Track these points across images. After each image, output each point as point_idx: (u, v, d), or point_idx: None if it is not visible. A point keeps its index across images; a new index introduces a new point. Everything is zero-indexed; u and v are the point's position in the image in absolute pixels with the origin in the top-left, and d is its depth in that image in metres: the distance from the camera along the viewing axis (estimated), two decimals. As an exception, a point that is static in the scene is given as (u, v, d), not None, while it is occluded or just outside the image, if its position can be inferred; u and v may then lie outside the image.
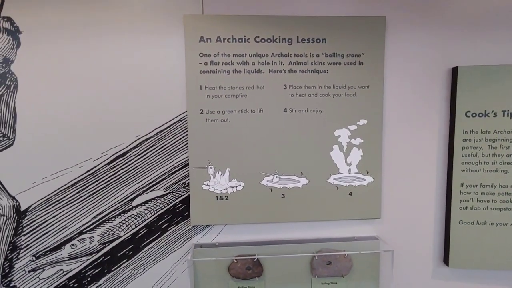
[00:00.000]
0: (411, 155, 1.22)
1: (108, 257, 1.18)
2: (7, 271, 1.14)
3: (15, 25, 1.06)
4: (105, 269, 1.18)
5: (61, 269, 1.16)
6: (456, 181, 1.18)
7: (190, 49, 1.10)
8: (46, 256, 1.15)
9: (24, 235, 1.13)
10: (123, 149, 1.14)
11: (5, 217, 1.12)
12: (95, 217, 1.15)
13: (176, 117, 1.15)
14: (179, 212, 1.19)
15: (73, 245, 1.16)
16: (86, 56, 1.09)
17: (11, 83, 1.07)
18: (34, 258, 1.15)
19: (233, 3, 1.12)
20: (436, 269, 1.27)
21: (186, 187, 1.17)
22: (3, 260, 1.13)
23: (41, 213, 1.13)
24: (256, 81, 1.13)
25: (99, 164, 1.13)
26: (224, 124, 1.14)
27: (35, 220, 1.13)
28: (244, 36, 1.12)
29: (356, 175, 1.20)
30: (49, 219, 1.13)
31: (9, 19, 1.06)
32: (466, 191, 1.18)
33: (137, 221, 1.17)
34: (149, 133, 1.14)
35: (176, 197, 1.18)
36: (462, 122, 1.16)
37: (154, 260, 1.20)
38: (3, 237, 1.12)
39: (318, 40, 1.14)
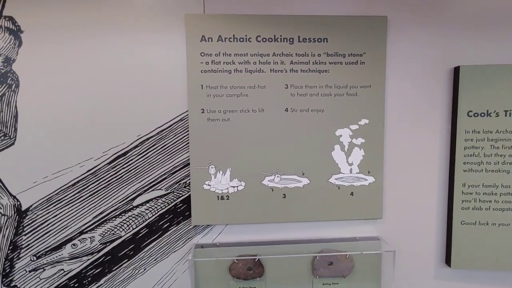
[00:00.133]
0: (412, 155, 1.22)
1: (109, 257, 1.18)
2: (7, 270, 1.14)
3: (16, 24, 1.06)
4: (105, 269, 1.18)
5: (62, 269, 1.16)
6: (458, 181, 1.18)
7: (191, 49, 1.10)
8: (47, 255, 1.15)
9: (25, 234, 1.13)
10: (124, 148, 1.13)
11: (6, 217, 1.12)
12: (96, 216, 1.15)
13: (177, 117, 1.15)
14: (180, 212, 1.19)
15: (74, 245, 1.15)
16: (87, 55, 1.09)
17: (13, 82, 1.07)
18: (34, 258, 1.14)
19: (234, 2, 1.12)
20: (438, 270, 1.27)
21: (187, 187, 1.17)
22: (4, 259, 1.13)
23: (42, 213, 1.13)
24: (258, 81, 1.13)
25: (100, 163, 1.13)
26: (225, 123, 1.14)
27: (36, 220, 1.13)
28: (246, 35, 1.11)
29: (358, 175, 1.19)
30: (50, 219, 1.13)
31: (10, 19, 1.06)
32: (468, 191, 1.18)
33: (138, 221, 1.17)
34: (150, 132, 1.14)
35: (177, 197, 1.18)
36: (464, 122, 1.16)
37: (155, 260, 1.20)
38: (4, 237, 1.12)
39: (319, 40, 1.13)
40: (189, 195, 1.17)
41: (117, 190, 1.15)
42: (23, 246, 1.13)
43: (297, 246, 1.21)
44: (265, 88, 1.14)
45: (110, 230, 1.16)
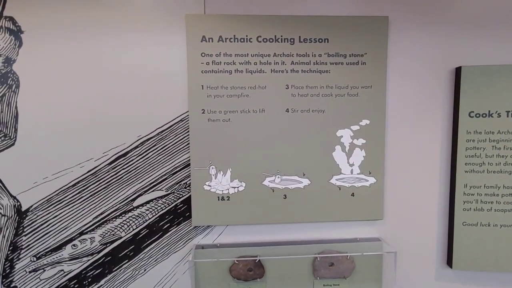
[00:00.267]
0: (414, 155, 1.21)
1: (109, 258, 1.17)
2: (7, 271, 1.14)
3: (17, 24, 1.06)
4: (106, 270, 1.18)
5: (62, 270, 1.16)
6: (460, 182, 1.17)
7: (192, 49, 1.10)
8: (47, 256, 1.15)
9: (25, 235, 1.13)
10: (125, 149, 1.13)
11: (6, 217, 1.11)
12: (96, 217, 1.15)
13: (177, 117, 1.14)
14: (180, 213, 1.18)
15: (74, 245, 1.15)
16: (87, 55, 1.09)
17: (13, 82, 1.07)
18: (35, 259, 1.14)
19: (235, 2, 1.12)
20: (440, 271, 1.26)
21: (188, 188, 1.17)
22: (4, 260, 1.13)
23: (42, 213, 1.12)
24: (258, 81, 1.13)
25: (100, 164, 1.13)
26: (225, 124, 1.13)
27: (36, 220, 1.12)
28: (246, 36, 1.11)
29: (359, 175, 1.19)
30: (50, 219, 1.13)
31: (11, 19, 1.06)
32: (470, 192, 1.17)
33: (138, 222, 1.17)
34: (151, 133, 1.14)
35: (178, 198, 1.17)
36: (466, 122, 1.15)
37: (155, 261, 1.19)
38: (4, 237, 1.12)
39: (320, 40, 1.13)
40: (190, 195, 1.17)
41: (117, 191, 1.15)
42: (23, 247, 1.13)
43: (297, 247, 1.20)
44: (266, 88, 1.13)
45: (111, 231, 1.16)
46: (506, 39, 1.17)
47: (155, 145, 1.14)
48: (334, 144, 1.17)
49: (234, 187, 1.16)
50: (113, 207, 1.15)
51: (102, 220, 1.15)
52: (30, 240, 1.13)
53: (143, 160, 1.14)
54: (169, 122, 1.14)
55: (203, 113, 1.13)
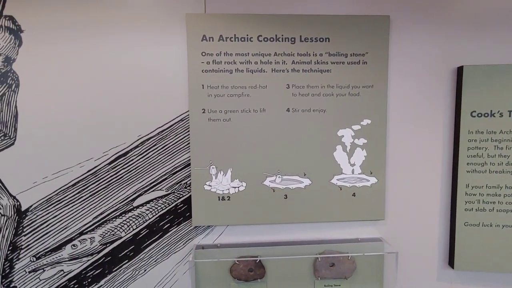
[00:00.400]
0: (415, 155, 1.21)
1: (109, 258, 1.17)
2: (7, 271, 1.13)
3: (17, 23, 1.06)
4: (106, 270, 1.17)
5: (62, 270, 1.15)
6: (461, 182, 1.17)
7: (192, 48, 1.10)
8: (47, 256, 1.14)
9: (25, 235, 1.12)
10: (125, 148, 1.13)
11: (5, 217, 1.11)
12: (96, 217, 1.15)
13: (178, 117, 1.14)
14: (180, 213, 1.18)
15: (73, 245, 1.15)
16: (87, 55, 1.09)
17: (13, 82, 1.07)
18: (34, 259, 1.14)
19: (235, 2, 1.12)
20: (441, 271, 1.26)
21: (188, 188, 1.16)
22: (3, 260, 1.13)
23: (42, 213, 1.12)
24: (259, 81, 1.12)
25: (100, 163, 1.12)
26: (226, 124, 1.13)
27: (35, 220, 1.12)
28: (247, 35, 1.11)
29: (360, 175, 1.18)
30: (49, 219, 1.13)
31: (11, 18, 1.05)
32: (472, 192, 1.17)
33: (138, 222, 1.16)
34: (151, 132, 1.13)
35: (178, 198, 1.17)
36: (468, 122, 1.14)
37: (155, 261, 1.19)
38: (4, 237, 1.12)
39: (321, 39, 1.13)
40: (190, 195, 1.16)
41: (117, 191, 1.14)
42: (22, 247, 1.13)
43: (298, 247, 1.20)
44: (267, 88, 1.13)
45: (110, 231, 1.16)
46: (507, 38, 1.17)
47: (155, 145, 1.14)
48: (335, 144, 1.17)
49: (235, 187, 1.16)
50: (113, 207, 1.15)
51: (102, 220, 1.15)
52: (30, 240, 1.13)
53: (143, 160, 1.14)
54: (169, 121, 1.14)
55: (203, 112, 1.12)
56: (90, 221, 1.15)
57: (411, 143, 1.20)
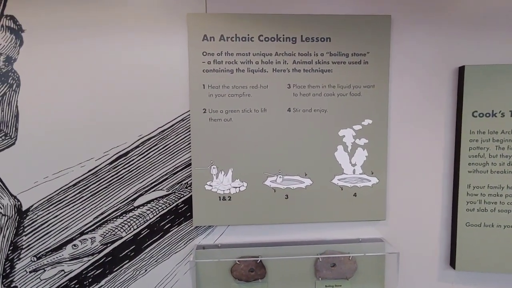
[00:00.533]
0: (416, 155, 1.20)
1: (109, 258, 1.17)
2: (8, 271, 1.13)
3: (18, 23, 1.06)
4: (106, 270, 1.17)
5: (62, 270, 1.15)
6: (463, 182, 1.16)
7: (193, 48, 1.10)
8: (47, 256, 1.14)
9: (26, 235, 1.12)
10: (125, 148, 1.13)
11: (6, 217, 1.11)
12: (96, 217, 1.14)
13: (178, 117, 1.14)
14: (181, 213, 1.18)
15: (74, 245, 1.15)
16: (88, 54, 1.09)
17: (14, 81, 1.07)
18: (35, 259, 1.14)
19: (236, 1, 1.12)
20: (443, 272, 1.25)
21: (189, 187, 1.16)
22: (4, 260, 1.13)
23: (43, 213, 1.12)
24: (260, 81, 1.12)
25: (101, 163, 1.12)
26: (227, 123, 1.13)
27: (36, 220, 1.12)
28: (248, 35, 1.11)
29: (361, 175, 1.18)
30: (50, 219, 1.13)
31: (12, 18, 1.05)
32: (473, 193, 1.16)
33: (139, 222, 1.16)
34: (152, 132, 1.13)
35: (179, 198, 1.17)
36: (469, 122, 1.14)
37: (156, 261, 1.19)
38: (4, 237, 1.12)
39: (322, 39, 1.12)
40: (191, 195, 1.16)
41: (118, 191, 1.14)
42: (23, 247, 1.13)
43: (299, 247, 1.20)
44: (268, 88, 1.13)
45: (111, 231, 1.16)
46: (509, 38, 1.16)
47: (156, 145, 1.14)
48: (336, 144, 1.16)
49: (236, 187, 1.16)
50: (113, 207, 1.15)
51: (103, 220, 1.15)
52: (31, 240, 1.13)
53: (144, 160, 1.14)
54: (170, 121, 1.14)
55: (204, 112, 1.12)
56: (91, 221, 1.14)
57: (412, 143, 1.20)
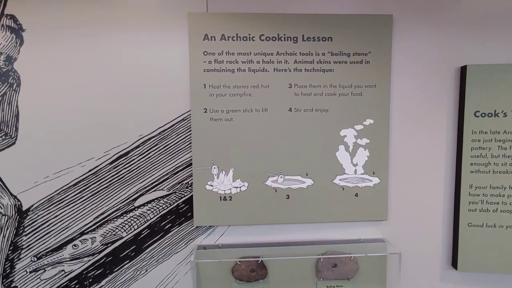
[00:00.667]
0: (418, 155, 1.20)
1: (110, 258, 1.17)
2: (8, 271, 1.13)
3: (18, 22, 1.05)
4: (107, 270, 1.17)
5: (63, 270, 1.15)
6: (465, 183, 1.16)
7: (194, 47, 1.09)
8: (48, 256, 1.14)
9: (26, 235, 1.12)
10: (126, 148, 1.12)
11: (6, 217, 1.11)
12: (97, 217, 1.14)
13: (179, 116, 1.13)
14: (182, 213, 1.17)
15: (75, 245, 1.14)
16: (88, 54, 1.08)
17: (14, 81, 1.07)
18: (35, 259, 1.13)
19: (237, 1, 1.11)
20: (444, 273, 1.25)
21: (190, 187, 1.16)
22: (4, 260, 1.12)
23: (43, 213, 1.12)
24: (261, 80, 1.12)
25: (101, 163, 1.12)
26: (228, 123, 1.12)
27: (36, 220, 1.12)
28: (249, 34, 1.10)
29: (362, 176, 1.18)
30: (51, 219, 1.12)
31: (12, 17, 1.05)
32: (475, 193, 1.16)
33: (140, 222, 1.16)
34: (152, 132, 1.13)
35: (179, 198, 1.16)
36: (471, 122, 1.14)
37: (156, 261, 1.18)
38: (4, 237, 1.11)
39: (323, 39, 1.12)
40: (191, 195, 1.16)
41: (118, 191, 1.14)
42: (23, 247, 1.12)
43: (300, 247, 1.19)
44: (269, 87, 1.12)
45: (112, 231, 1.15)
46: (510, 38, 1.16)
47: (156, 145, 1.13)
48: (337, 144, 1.16)
49: (237, 187, 1.15)
50: (114, 207, 1.14)
51: (103, 220, 1.15)
52: (31, 240, 1.12)
53: (145, 160, 1.13)
54: (171, 121, 1.13)
55: (205, 112, 1.12)
56: (91, 221, 1.14)
57: (414, 143, 1.20)
